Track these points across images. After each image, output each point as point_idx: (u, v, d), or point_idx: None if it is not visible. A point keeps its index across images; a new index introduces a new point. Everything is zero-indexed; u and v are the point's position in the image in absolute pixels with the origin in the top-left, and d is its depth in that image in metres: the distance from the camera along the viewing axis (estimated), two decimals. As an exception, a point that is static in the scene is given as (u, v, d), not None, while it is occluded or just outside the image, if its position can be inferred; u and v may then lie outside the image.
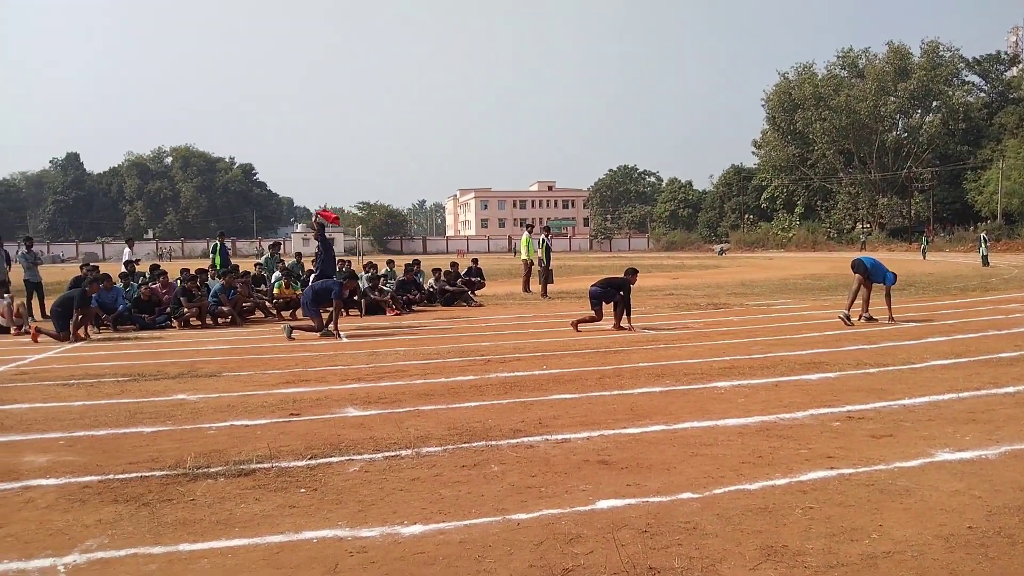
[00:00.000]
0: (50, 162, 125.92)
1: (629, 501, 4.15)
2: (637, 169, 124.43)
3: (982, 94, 77.27)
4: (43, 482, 4.69)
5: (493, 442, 5.40)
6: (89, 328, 12.89)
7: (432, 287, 17.85)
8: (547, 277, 19.85)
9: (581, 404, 6.67)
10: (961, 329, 11.41)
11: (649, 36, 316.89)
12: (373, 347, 10.73)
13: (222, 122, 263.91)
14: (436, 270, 18.42)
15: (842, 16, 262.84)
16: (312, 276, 14.97)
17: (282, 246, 19.47)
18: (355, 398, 7.07)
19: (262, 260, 20.16)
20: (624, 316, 12.13)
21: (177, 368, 9.05)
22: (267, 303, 15.77)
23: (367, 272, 17.13)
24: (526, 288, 20.71)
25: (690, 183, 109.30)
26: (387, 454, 5.14)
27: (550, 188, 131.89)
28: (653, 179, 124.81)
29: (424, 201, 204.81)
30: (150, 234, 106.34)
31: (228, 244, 20.62)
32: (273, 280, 16.48)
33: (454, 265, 19.02)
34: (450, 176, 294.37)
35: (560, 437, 5.50)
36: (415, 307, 16.76)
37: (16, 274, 16.66)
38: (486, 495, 4.30)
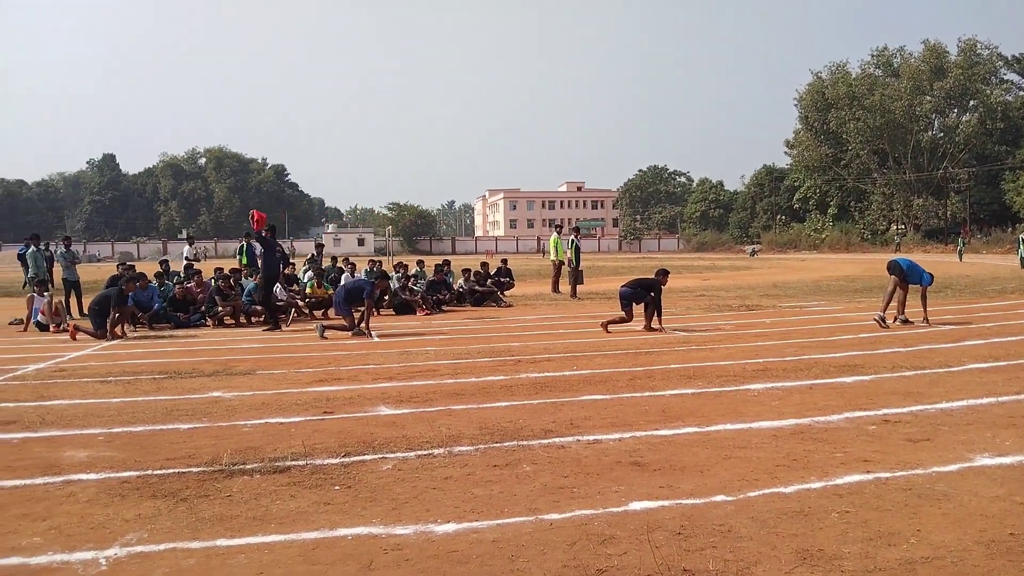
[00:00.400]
0: (87, 163, 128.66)
1: (662, 503, 4.13)
2: (667, 169, 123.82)
3: (1021, 92, 75.69)
4: (84, 477, 4.78)
5: (524, 442, 5.41)
6: (126, 326, 13.10)
7: (462, 287, 17.91)
8: (577, 278, 19.81)
9: (612, 405, 6.66)
10: (999, 332, 11.20)
11: (680, 35, 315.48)
12: (404, 346, 10.79)
13: (255, 123, 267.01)
14: (466, 270, 18.48)
15: (877, 15, 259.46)
16: (257, 277, 14.90)
17: (324, 248, 19.60)
18: (387, 397, 7.12)
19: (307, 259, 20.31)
20: (655, 317, 12.07)
21: (212, 366, 9.18)
22: (299, 302, 15.92)
23: (398, 272, 17.23)
24: (555, 289, 20.69)
25: (721, 183, 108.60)
26: (420, 453, 5.17)
27: (579, 188, 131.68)
28: (683, 179, 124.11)
29: (453, 202, 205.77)
30: (184, 234, 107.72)
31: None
32: (305, 280, 16.64)
33: (484, 266, 19.06)
34: (479, 177, 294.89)
35: (591, 438, 5.50)
36: (445, 307, 16.83)
37: (54, 273, 16.99)
38: (518, 495, 4.31)
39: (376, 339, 11.71)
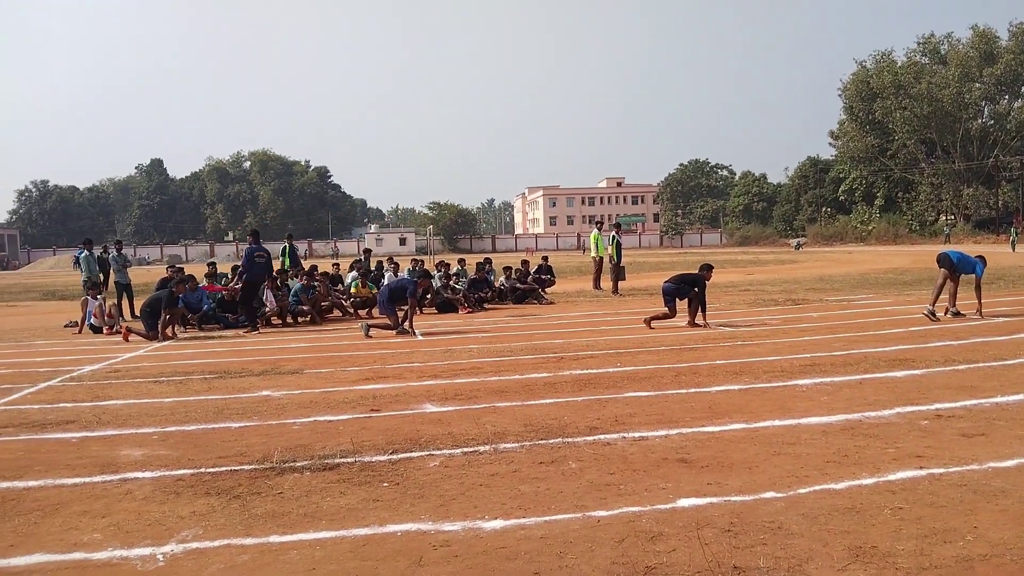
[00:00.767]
0: (136, 168, 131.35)
1: (711, 500, 4.11)
2: (709, 163, 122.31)
3: (1077, 76, 73.22)
4: (140, 475, 4.91)
5: (569, 439, 5.41)
6: (176, 327, 13.39)
7: (503, 285, 17.95)
8: (618, 274, 19.72)
9: (657, 402, 6.63)
10: (1057, 324, 10.88)
11: (722, 26, 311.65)
12: (448, 344, 10.86)
13: (298, 126, 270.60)
14: (507, 268, 18.51)
15: (922, 2, 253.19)
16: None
17: (371, 253, 19.77)
18: (432, 394, 7.18)
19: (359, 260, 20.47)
20: (699, 313, 11.97)
21: (261, 366, 9.34)
22: (344, 302, 16.13)
23: (440, 271, 17.34)
24: (597, 285, 20.62)
25: (764, 176, 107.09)
26: (466, 450, 5.21)
27: (619, 184, 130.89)
28: (725, 172, 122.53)
29: (493, 200, 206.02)
30: (230, 236, 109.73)
31: (298, 245, 21.04)
32: (349, 280, 16.83)
33: (525, 263, 19.08)
34: (518, 174, 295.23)
35: (637, 435, 5.48)
36: (487, 305, 16.89)
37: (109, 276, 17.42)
38: (565, 492, 4.32)
39: (420, 337, 11.80)
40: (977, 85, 69.90)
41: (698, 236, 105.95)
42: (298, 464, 4.97)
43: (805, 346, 9.62)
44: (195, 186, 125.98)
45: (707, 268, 12.35)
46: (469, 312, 15.82)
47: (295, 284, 15.28)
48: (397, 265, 18.88)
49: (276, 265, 18.44)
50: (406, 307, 12.49)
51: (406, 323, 12.30)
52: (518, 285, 17.83)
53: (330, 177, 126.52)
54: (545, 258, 21.32)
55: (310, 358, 10.03)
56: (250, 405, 6.98)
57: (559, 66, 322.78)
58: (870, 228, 75.66)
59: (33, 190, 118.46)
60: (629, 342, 10.48)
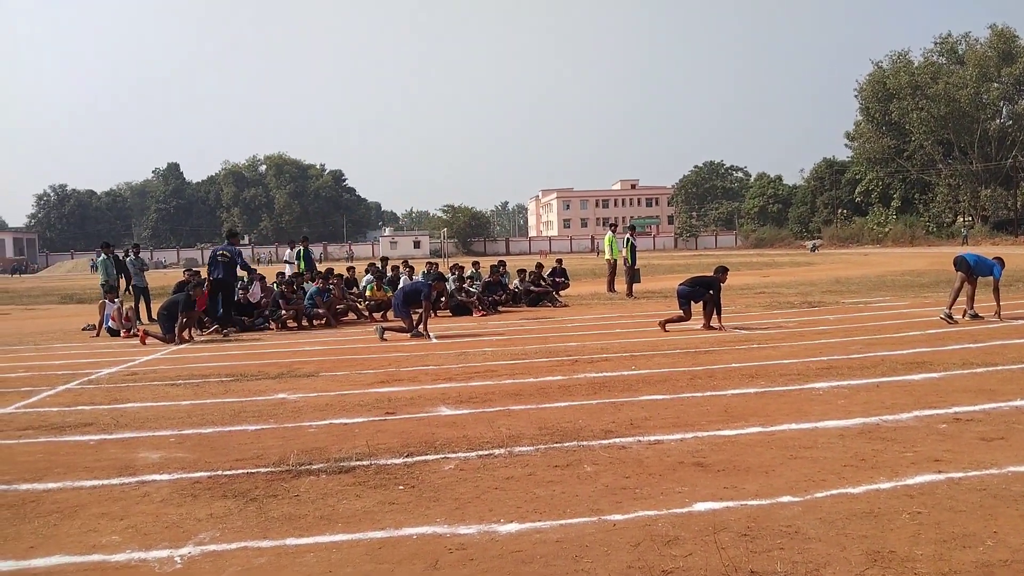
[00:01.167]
0: (152, 172, 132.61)
1: (727, 504, 4.09)
2: (724, 164, 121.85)
3: (1097, 76, 72.48)
4: (157, 477, 4.94)
5: (584, 442, 5.40)
6: (192, 330, 13.48)
7: (517, 288, 17.95)
8: (633, 276, 19.67)
9: (673, 405, 6.61)
10: (1078, 327, 10.76)
11: (736, 27, 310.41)
12: (462, 347, 10.87)
13: (314, 130, 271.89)
14: (521, 271, 18.51)
15: (939, 2, 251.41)
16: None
17: (388, 260, 19.79)
18: (447, 397, 7.19)
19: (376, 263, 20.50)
20: (714, 315, 11.92)
21: (277, 368, 9.38)
22: (359, 305, 16.18)
23: (454, 274, 17.37)
24: (611, 288, 20.58)
25: (780, 177, 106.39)
26: (481, 453, 5.21)
27: (633, 186, 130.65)
28: (740, 174, 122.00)
29: (507, 202, 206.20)
30: (245, 239, 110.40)
31: (314, 249, 21.04)
32: (364, 283, 16.89)
33: (539, 266, 19.06)
34: (532, 177, 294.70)
35: (653, 438, 5.46)
36: (501, 308, 16.90)
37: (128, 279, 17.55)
38: (580, 495, 4.31)
39: (434, 340, 11.82)
40: (995, 85, 69.37)
41: (713, 238, 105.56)
42: (314, 467, 4.99)
43: (821, 349, 9.56)
44: (211, 190, 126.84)
45: (722, 271, 12.30)
46: (483, 315, 15.83)
47: (310, 287, 15.34)
48: (412, 268, 18.90)
49: (294, 268, 18.60)
50: (420, 310, 12.51)
51: (420, 326, 12.33)
52: (532, 288, 17.82)
53: (345, 180, 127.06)
54: (559, 261, 21.31)
55: (326, 361, 10.06)
56: (266, 408, 7.02)
57: (573, 68, 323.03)
58: (887, 230, 75.13)
59: (51, 194, 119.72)
60: (644, 345, 10.46)
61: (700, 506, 4.07)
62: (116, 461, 5.35)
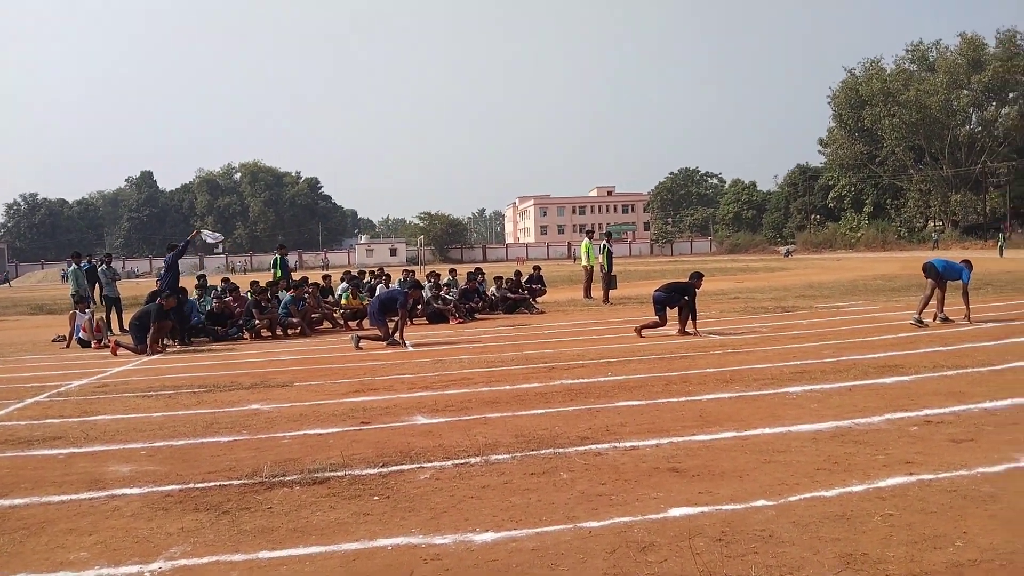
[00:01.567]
0: (125, 181, 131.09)
1: (702, 509, 4.10)
2: (699, 171, 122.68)
3: (1064, 83, 73.94)
4: (127, 491, 4.86)
5: (561, 449, 5.40)
6: (165, 340, 13.33)
7: (494, 295, 17.94)
8: (609, 283, 19.73)
9: (648, 411, 6.62)
10: (1045, 329, 10.95)
11: (710, 35, 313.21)
12: (438, 355, 10.84)
13: (289, 137, 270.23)
14: (498, 278, 18.50)
15: (912, 9, 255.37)
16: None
17: (365, 274, 19.64)
18: (423, 406, 7.16)
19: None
20: (689, 321, 12.00)
21: (250, 379, 9.29)
22: (334, 314, 16.08)
23: (430, 281, 17.32)
24: (587, 294, 20.62)
25: (754, 184, 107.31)
26: (456, 462, 5.19)
27: (609, 193, 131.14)
28: (715, 181, 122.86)
29: (483, 209, 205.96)
30: (220, 248, 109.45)
31: (291, 257, 20.87)
32: (340, 291, 16.79)
33: (518, 273, 19.06)
34: (509, 184, 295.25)
35: (628, 444, 5.47)
36: (478, 315, 16.88)
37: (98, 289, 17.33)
38: (556, 503, 4.30)
39: (410, 348, 11.77)
40: (965, 92, 70.48)
41: (688, 244, 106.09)
42: (288, 478, 4.94)
43: (795, 353, 9.64)
44: (185, 198, 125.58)
45: (697, 276, 12.38)
46: (460, 322, 15.80)
47: (285, 296, 15.23)
48: (388, 276, 18.83)
49: (268, 276, 18.46)
50: (396, 318, 12.46)
51: (396, 334, 12.27)
52: (509, 295, 17.82)
53: (320, 188, 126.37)
54: (536, 267, 21.31)
55: (300, 371, 9.99)
56: (239, 419, 6.94)
57: (550, 75, 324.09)
58: (859, 235, 76.06)
59: (22, 203, 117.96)
60: (620, 351, 10.49)
61: (675, 511, 4.08)
62: (85, 475, 5.26)
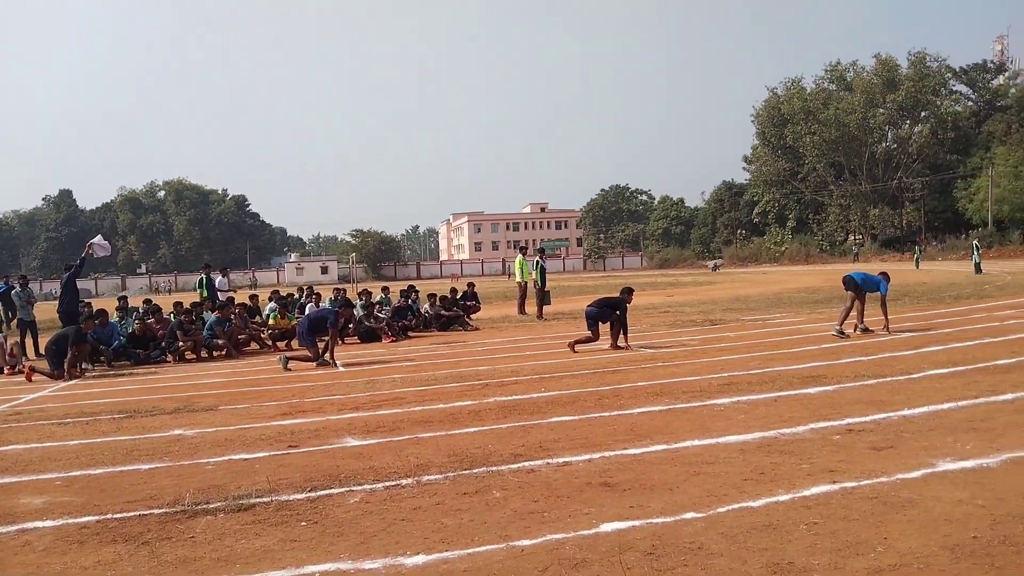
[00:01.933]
0: (43, 200, 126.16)
1: (633, 523, 4.12)
2: (629, 188, 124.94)
3: (970, 103, 78.01)
4: (40, 524, 4.63)
5: (494, 468, 5.37)
6: (84, 364, 12.82)
7: (428, 312, 17.83)
8: (543, 299, 19.83)
9: (581, 426, 6.65)
10: (957, 338, 11.43)
11: (638, 55, 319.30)
12: (370, 375, 10.69)
13: (216, 154, 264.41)
14: (431, 295, 18.40)
15: (830, 31, 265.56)
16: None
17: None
18: (354, 428, 7.04)
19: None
20: (621, 335, 12.14)
21: (173, 403, 9.00)
22: (262, 334, 15.73)
23: (362, 299, 17.11)
24: (522, 310, 20.68)
25: (682, 200, 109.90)
26: (387, 484, 5.10)
27: (543, 210, 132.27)
28: (645, 197, 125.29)
29: (417, 226, 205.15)
30: (143, 269, 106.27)
31: (219, 276, 20.30)
32: (267, 311, 16.44)
33: (453, 291, 19.00)
34: (443, 201, 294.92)
35: (561, 460, 5.47)
36: (411, 333, 16.74)
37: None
38: (489, 522, 4.27)
39: (341, 368, 11.59)
40: (881, 110, 73.70)
41: (620, 260, 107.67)
42: (211, 506, 4.78)
43: (723, 365, 9.83)
44: (106, 217, 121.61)
45: (628, 291, 12.55)
46: (393, 341, 15.64)
47: (210, 317, 14.84)
48: (319, 295, 18.54)
49: (194, 297, 17.97)
50: (327, 338, 12.25)
51: (327, 354, 12.07)
52: (443, 312, 17.73)
53: (248, 206, 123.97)
54: (471, 284, 21.30)
55: (225, 394, 9.71)
56: (161, 445, 6.71)
57: (483, 92, 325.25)
58: (783, 249, 78.48)
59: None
60: (554, 366, 10.52)
61: (607, 527, 4.09)
62: (-7, 509, 4.99)
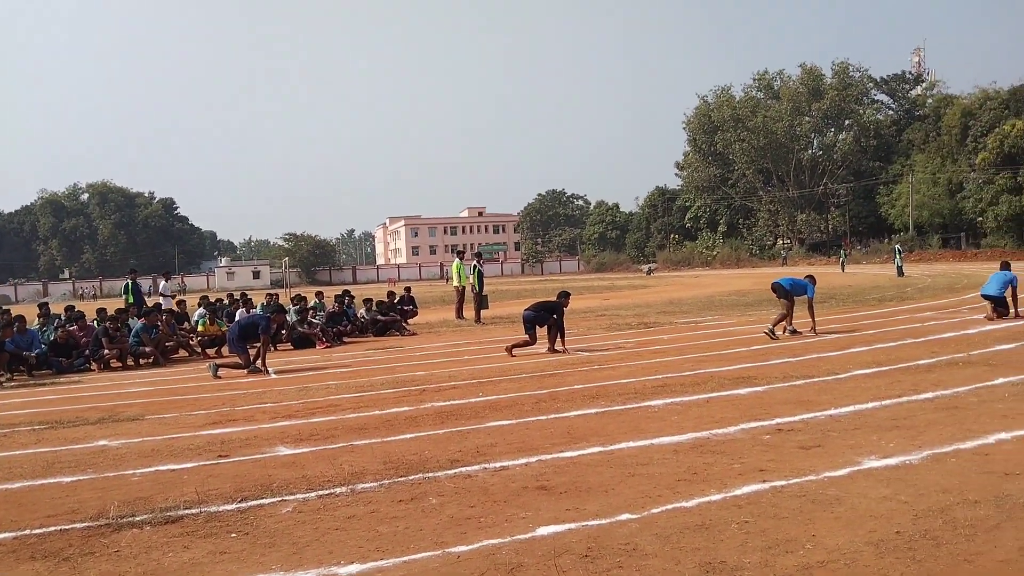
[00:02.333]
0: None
1: (569, 526, 4.14)
2: (565, 193, 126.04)
3: (890, 112, 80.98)
4: (-48, 542, 4.41)
5: (430, 474, 5.33)
6: (1, 374, 12.28)
7: (364, 317, 17.62)
8: (480, 303, 19.82)
9: (518, 430, 6.66)
10: (881, 339, 11.84)
11: (573, 61, 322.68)
12: (304, 382, 10.51)
13: (142, 156, 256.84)
14: (367, 300, 18.20)
15: (758, 40, 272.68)
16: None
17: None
18: (286, 436, 6.90)
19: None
20: (558, 339, 12.21)
21: (97, 413, 8.69)
22: (191, 341, 15.32)
23: (295, 305, 16.81)
24: (459, 315, 20.63)
25: (617, 205, 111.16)
26: (321, 493, 5.01)
27: (480, 214, 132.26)
28: (581, 202, 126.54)
29: (353, 230, 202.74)
30: (65, 274, 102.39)
31: (163, 281, 19.66)
32: (196, 317, 16.02)
33: (391, 295, 18.81)
34: (379, 204, 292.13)
35: (498, 465, 5.47)
36: (347, 339, 16.52)
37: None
38: (425, 529, 4.23)
39: (273, 376, 11.35)
40: (807, 119, 75.93)
41: (557, 264, 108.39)
42: (137, 519, 4.62)
43: (657, 368, 9.97)
44: (26, 220, 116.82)
45: (565, 295, 12.64)
46: (327, 347, 15.41)
47: (136, 324, 14.38)
48: (250, 300, 18.15)
49: (119, 303, 17.40)
50: (258, 344, 11.99)
51: (258, 361, 11.81)
52: (379, 317, 17.54)
53: (176, 209, 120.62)
54: (408, 288, 21.12)
55: (152, 403, 9.41)
56: (84, 457, 6.46)
57: (419, 95, 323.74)
58: (715, 253, 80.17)
59: None
60: (491, 371, 10.52)
61: (543, 530, 4.10)
62: (-100, 528, 4.73)
